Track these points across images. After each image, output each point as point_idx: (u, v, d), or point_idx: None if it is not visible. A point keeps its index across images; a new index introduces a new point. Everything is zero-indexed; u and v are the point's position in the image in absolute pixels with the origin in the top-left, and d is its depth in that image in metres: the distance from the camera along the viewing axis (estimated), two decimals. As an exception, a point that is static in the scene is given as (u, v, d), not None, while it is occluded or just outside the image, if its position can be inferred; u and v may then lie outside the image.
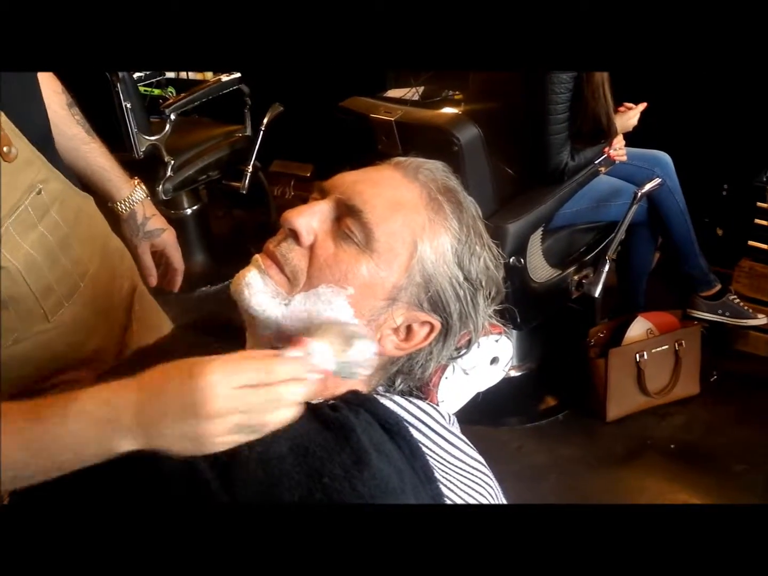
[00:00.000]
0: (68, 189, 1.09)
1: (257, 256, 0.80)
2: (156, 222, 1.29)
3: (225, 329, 0.94)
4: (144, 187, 1.29)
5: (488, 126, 1.98)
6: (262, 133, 2.96)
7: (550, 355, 2.47)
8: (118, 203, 1.26)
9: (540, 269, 2.20)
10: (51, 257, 1.04)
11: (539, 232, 2.14)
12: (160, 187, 2.80)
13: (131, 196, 1.26)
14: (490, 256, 0.84)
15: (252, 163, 2.96)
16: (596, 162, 2.14)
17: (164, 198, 2.83)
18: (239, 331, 0.84)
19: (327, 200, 0.79)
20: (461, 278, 0.80)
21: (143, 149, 2.69)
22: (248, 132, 3.01)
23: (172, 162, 2.79)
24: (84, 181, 1.21)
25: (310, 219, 0.77)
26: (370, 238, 0.76)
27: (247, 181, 2.96)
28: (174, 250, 1.32)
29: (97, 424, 0.64)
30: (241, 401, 0.63)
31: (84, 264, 1.11)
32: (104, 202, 1.25)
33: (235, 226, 3.54)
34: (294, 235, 0.77)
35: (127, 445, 0.64)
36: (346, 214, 0.77)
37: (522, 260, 2.08)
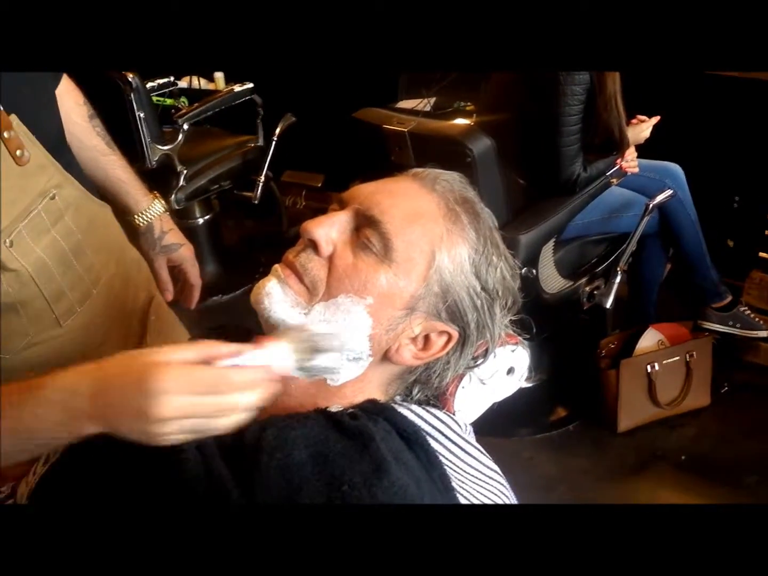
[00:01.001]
0: (83, 196, 1.10)
1: (277, 266, 0.81)
2: (173, 237, 1.30)
3: (242, 339, 0.95)
4: (162, 201, 1.30)
5: (500, 137, 2.00)
6: (274, 143, 2.98)
7: (562, 365, 2.47)
8: (136, 216, 1.27)
9: (552, 280, 2.21)
10: (64, 263, 1.05)
11: (551, 243, 2.15)
12: (173, 196, 2.82)
13: (149, 209, 1.27)
14: (507, 266, 0.85)
15: (264, 173, 2.97)
16: (608, 173, 2.15)
17: (176, 207, 2.85)
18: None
19: (346, 211, 0.80)
20: (478, 288, 0.80)
21: (156, 159, 2.71)
22: (260, 142, 3.02)
23: (185, 171, 2.81)
24: (102, 193, 1.23)
25: (330, 229, 0.79)
26: (389, 248, 0.77)
27: (259, 191, 2.98)
28: (191, 266, 1.32)
29: (61, 410, 0.66)
30: (192, 408, 0.63)
31: (97, 271, 1.12)
32: (122, 214, 1.26)
33: (246, 236, 3.56)
34: (313, 246, 0.78)
35: (91, 428, 0.66)
36: (365, 224, 0.78)
37: (534, 271, 2.09)
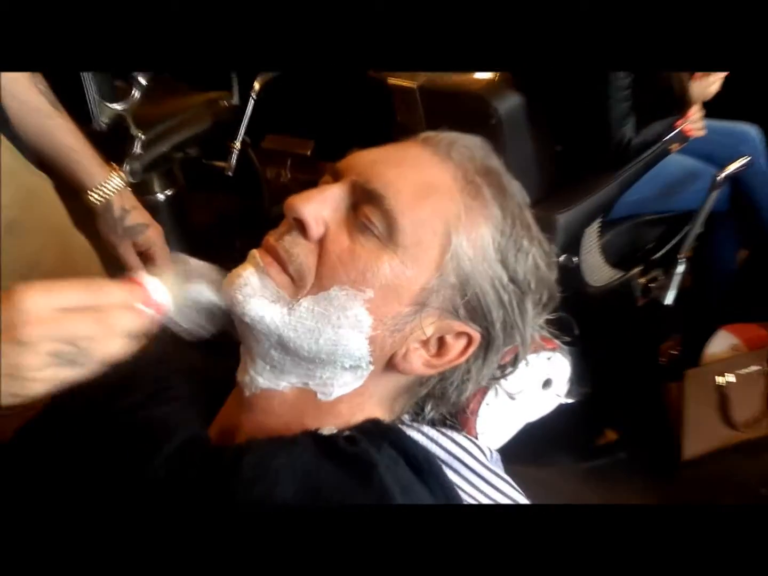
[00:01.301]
0: (19, 165, 1.10)
1: (255, 251, 0.80)
2: (138, 216, 1.30)
3: (212, 342, 0.96)
4: (122, 173, 1.29)
5: (532, 93, 2.00)
6: (252, 101, 2.97)
7: (610, 377, 2.47)
8: (91, 192, 1.25)
9: (597, 270, 2.21)
10: None
11: (596, 225, 2.16)
12: (127, 166, 2.81)
13: (106, 183, 1.26)
14: (541, 252, 0.84)
15: (240, 138, 2.97)
16: (667, 138, 2.15)
17: (131, 180, 2.84)
18: (232, 343, 0.85)
19: (341, 184, 0.80)
20: (505, 279, 0.80)
21: (105, 120, 2.71)
22: (235, 100, 3.02)
23: (142, 136, 2.81)
24: (47, 164, 1.22)
25: (320, 206, 0.78)
26: (394, 230, 0.76)
27: (233, 161, 2.97)
28: (161, 251, 1.32)
29: None
30: (63, 326, 0.66)
31: (36, 257, 1.11)
32: (72, 190, 1.26)
33: (218, 214, 3.56)
34: (300, 226, 0.78)
35: None
36: (364, 200, 0.78)
37: (575, 259, 2.09)
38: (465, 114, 1.93)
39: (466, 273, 0.78)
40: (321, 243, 0.78)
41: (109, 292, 0.69)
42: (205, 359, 0.96)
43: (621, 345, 2.51)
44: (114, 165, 1.30)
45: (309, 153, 3.47)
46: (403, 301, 0.78)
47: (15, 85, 1.17)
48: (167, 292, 0.74)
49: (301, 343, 0.77)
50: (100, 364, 0.69)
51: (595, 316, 2.26)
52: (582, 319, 2.23)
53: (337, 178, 0.82)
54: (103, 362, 0.69)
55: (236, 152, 2.98)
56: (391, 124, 2.24)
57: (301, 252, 0.78)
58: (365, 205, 0.77)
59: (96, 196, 1.26)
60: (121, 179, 1.29)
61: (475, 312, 0.80)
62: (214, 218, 3.58)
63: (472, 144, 0.84)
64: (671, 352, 2.39)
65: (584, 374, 2.43)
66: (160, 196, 3.14)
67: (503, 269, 0.80)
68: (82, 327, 0.67)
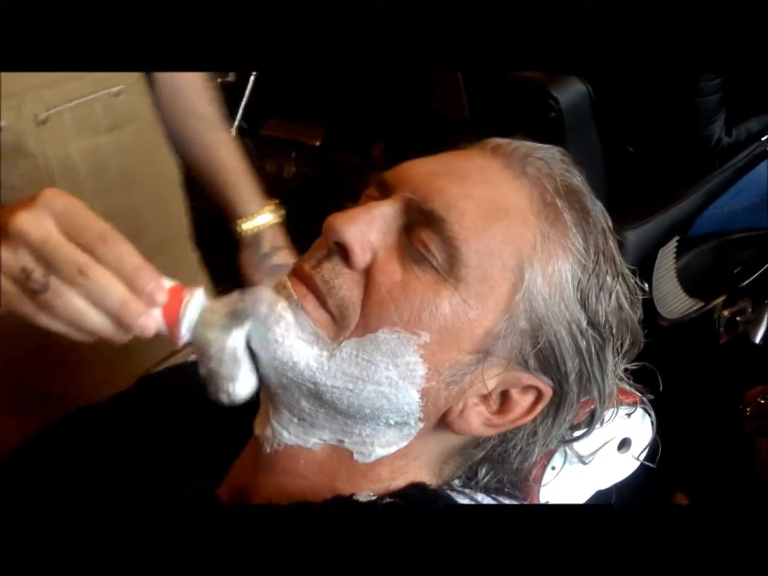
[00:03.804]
0: (156, 128, 1.17)
1: (285, 279, 0.80)
2: (286, 257, 1.37)
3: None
4: (280, 208, 1.37)
5: (600, 82, 2.01)
6: (252, 80, 2.99)
7: (684, 430, 2.47)
8: (242, 221, 1.34)
9: (672, 299, 2.21)
10: (100, 185, 1.11)
11: (673, 244, 2.16)
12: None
13: (260, 215, 1.34)
14: (625, 290, 0.85)
15: (237, 124, 2.98)
16: (764, 138, 2.16)
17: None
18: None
19: (392, 201, 0.80)
20: (584, 324, 0.80)
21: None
22: (231, 77, 3.04)
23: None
24: (196, 173, 1.31)
25: (367, 228, 0.78)
26: (456, 261, 0.76)
27: (228, 151, 3.00)
28: None
29: None
30: (55, 248, 0.68)
31: (141, 221, 1.18)
32: (224, 216, 1.34)
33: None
34: (342, 252, 0.78)
35: None
36: (421, 223, 0.78)
37: (646, 286, 2.09)
38: (519, 104, 1.93)
39: (540, 316, 0.78)
40: (368, 273, 0.77)
41: (140, 269, 0.70)
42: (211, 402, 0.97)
43: (699, 392, 2.50)
44: (273, 199, 1.38)
45: (318, 143, 3.48)
46: (464, 347, 0.77)
47: (187, 87, 1.23)
48: (204, 326, 0.74)
49: (339, 395, 0.77)
50: (56, 325, 0.70)
51: (668, 355, 2.25)
52: (651, 358, 2.23)
53: (385, 192, 0.82)
54: (60, 327, 0.70)
55: (232, 140, 3.00)
56: (422, 112, 2.25)
57: (344, 284, 0.77)
58: (421, 229, 0.77)
59: (246, 226, 1.34)
60: (277, 214, 1.37)
61: (548, 362, 0.80)
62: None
63: (550, 156, 0.83)
64: (760, 402, 2.38)
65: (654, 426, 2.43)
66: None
67: (583, 312, 0.80)
68: (70, 268, 0.68)
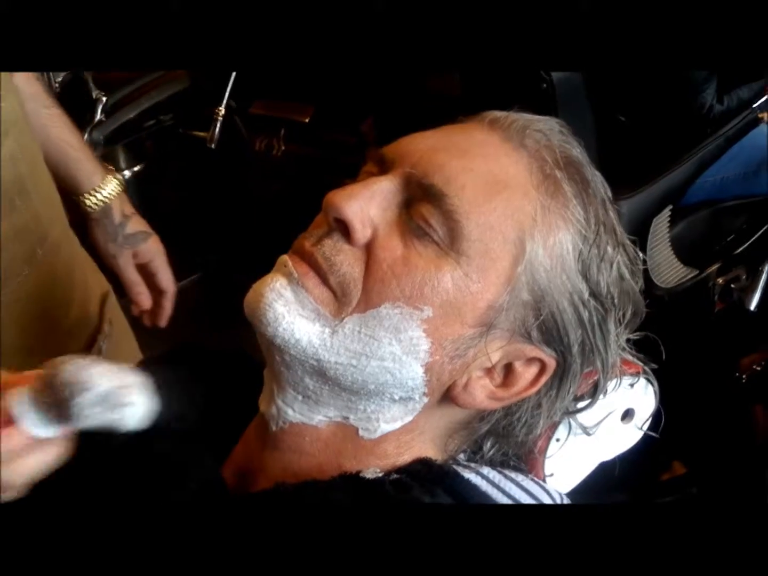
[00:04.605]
0: (29, 130, 1.13)
1: (285, 257, 0.80)
2: (138, 224, 1.35)
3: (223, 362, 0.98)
4: (119, 176, 1.33)
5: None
6: (240, 57, 2.98)
7: (680, 399, 2.48)
8: (88, 195, 1.30)
9: (667, 268, 2.21)
10: (6, 201, 1.08)
11: (666, 213, 2.16)
12: (86, 136, 2.83)
13: (105, 186, 1.30)
14: (626, 259, 0.85)
15: (225, 102, 2.97)
16: (756, 105, 2.16)
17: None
18: (256, 366, 0.86)
19: (391, 176, 0.80)
20: (586, 294, 0.80)
21: (59, 79, 2.71)
22: (218, 55, 3.02)
23: (104, 99, 2.82)
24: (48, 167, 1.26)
25: (367, 204, 0.78)
26: (457, 235, 0.76)
27: (217, 130, 2.98)
28: (162, 265, 1.37)
29: None
30: None
31: (44, 226, 1.15)
32: (66, 192, 1.30)
33: (197, 195, 3.55)
34: (343, 229, 0.78)
35: None
36: (421, 198, 0.78)
37: (640, 255, 2.09)
38: (510, 77, 1.92)
39: (542, 288, 0.79)
40: (368, 249, 0.78)
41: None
42: (214, 380, 0.97)
43: (693, 359, 2.51)
44: (110, 167, 1.35)
45: (308, 120, 3.47)
46: (467, 321, 0.78)
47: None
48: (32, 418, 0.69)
49: (343, 371, 0.77)
50: None
51: (663, 324, 2.26)
52: (647, 327, 2.24)
53: (384, 168, 0.82)
54: None
55: (220, 120, 2.98)
56: (412, 87, 2.24)
57: (346, 260, 0.77)
58: (422, 204, 0.77)
59: (94, 199, 1.30)
60: (119, 182, 1.33)
61: (551, 334, 0.80)
62: (191, 199, 3.56)
63: (548, 128, 0.83)
64: (755, 368, 2.39)
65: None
66: (127, 173, 3.14)
67: (584, 282, 0.80)
68: None
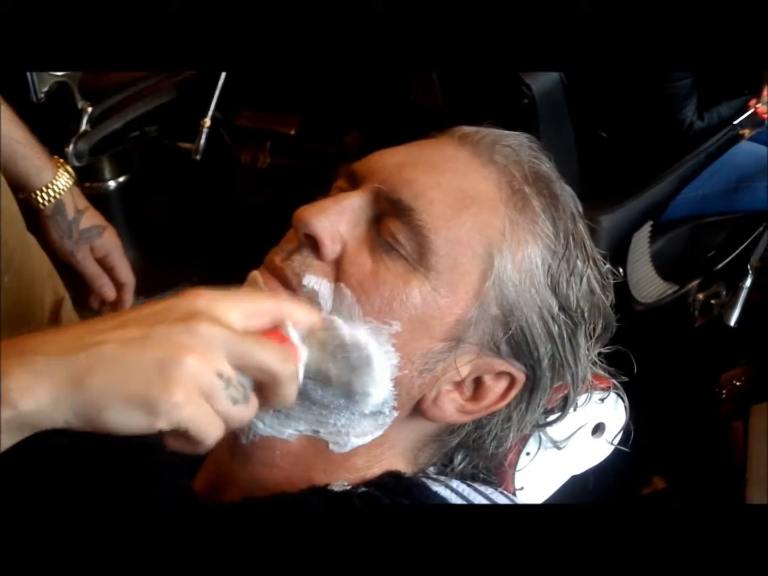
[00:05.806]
0: None
1: (256, 273, 0.81)
2: (92, 218, 1.32)
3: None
4: (69, 168, 1.31)
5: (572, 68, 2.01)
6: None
7: (659, 414, 2.48)
8: (39, 192, 1.28)
9: (647, 283, 2.22)
10: None
11: (646, 229, 2.16)
12: (71, 147, 2.81)
13: (56, 181, 1.28)
14: (596, 273, 0.85)
15: (210, 114, 2.97)
16: (736, 122, 2.16)
17: (76, 164, 2.84)
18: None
19: (360, 192, 0.81)
20: (555, 308, 0.81)
21: (45, 89, 2.71)
22: (204, 67, 3.03)
23: (89, 110, 2.81)
24: None
25: (337, 220, 0.79)
26: (425, 250, 0.77)
27: (202, 142, 2.97)
28: (120, 257, 1.35)
29: None
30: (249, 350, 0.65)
31: (10, 250, 1.14)
32: (15, 190, 1.27)
33: (182, 207, 3.55)
34: (312, 244, 0.79)
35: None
36: (390, 213, 0.79)
37: (620, 270, 2.10)
38: (492, 92, 1.93)
39: (511, 302, 0.79)
40: (338, 265, 0.78)
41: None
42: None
43: (674, 374, 2.52)
44: (59, 158, 1.31)
45: (294, 132, 3.47)
46: (435, 335, 0.78)
47: None
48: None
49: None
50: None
51: (644, 339, 2.26)
52: (627, 342, 2.24)
53: (355, 183, 0.83)
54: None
55: (205, 131, 2.97)
56: (400, 103, 2.25)
57: (315, 275, 0.78)
58: (390, 220, 0.78)
59: (45, 195, 1.28)
60: (70, 175, 1.31)
61: (520, 348, 0.81)
62: (176, 211, 3.56)
63: (518, 143, 0.84)
64: (735, 383, 2.39)
65: (629, 411, 2.44)
66: (111, 184, 3.13)
67: (553, 296, 0.81)
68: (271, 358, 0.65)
